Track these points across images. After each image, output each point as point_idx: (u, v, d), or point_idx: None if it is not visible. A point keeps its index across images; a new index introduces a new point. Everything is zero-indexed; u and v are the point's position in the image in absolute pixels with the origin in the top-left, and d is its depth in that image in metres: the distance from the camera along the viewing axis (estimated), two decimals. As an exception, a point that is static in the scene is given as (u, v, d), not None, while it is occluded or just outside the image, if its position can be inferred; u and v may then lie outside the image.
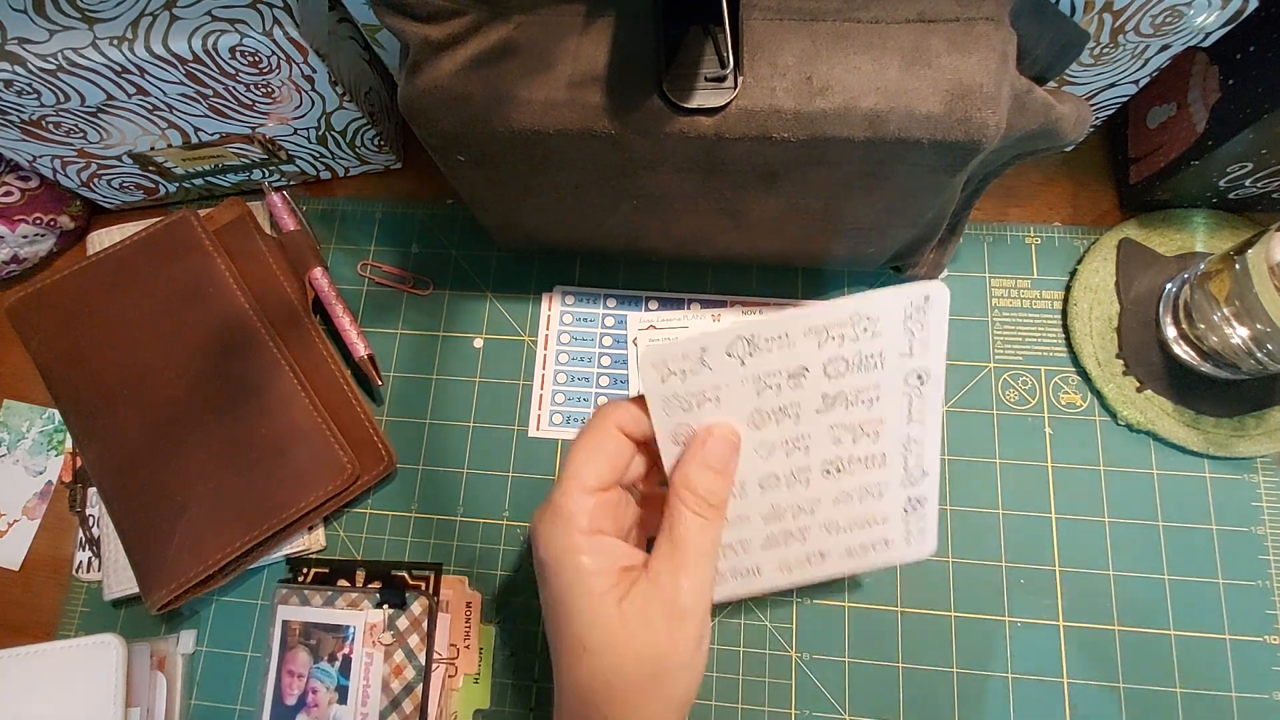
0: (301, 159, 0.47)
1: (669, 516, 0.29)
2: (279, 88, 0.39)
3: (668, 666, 0.27)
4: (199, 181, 0.48)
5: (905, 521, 0.33)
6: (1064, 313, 0.44)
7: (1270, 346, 0.37)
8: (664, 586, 0.27)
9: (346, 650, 0.40)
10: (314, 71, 0.39)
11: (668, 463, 0.30)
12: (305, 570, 0.43)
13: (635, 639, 0.27)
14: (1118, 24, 0.32)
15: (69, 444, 0.47)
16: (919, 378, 0.29)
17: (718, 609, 0.42)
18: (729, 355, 0.28)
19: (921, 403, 0.30)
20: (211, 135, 0.43)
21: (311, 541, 0.43)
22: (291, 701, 0.40)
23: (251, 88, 0.39)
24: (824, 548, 0.33)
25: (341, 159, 0.48)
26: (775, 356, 0.29)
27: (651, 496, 0.33)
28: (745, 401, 0.29)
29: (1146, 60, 0.36)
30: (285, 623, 0.41)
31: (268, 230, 0.48)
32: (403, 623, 0.40)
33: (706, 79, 0.29)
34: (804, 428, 0.30)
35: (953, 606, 0.41)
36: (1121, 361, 0.43)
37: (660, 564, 0.28)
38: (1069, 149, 0.46)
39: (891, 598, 0.41)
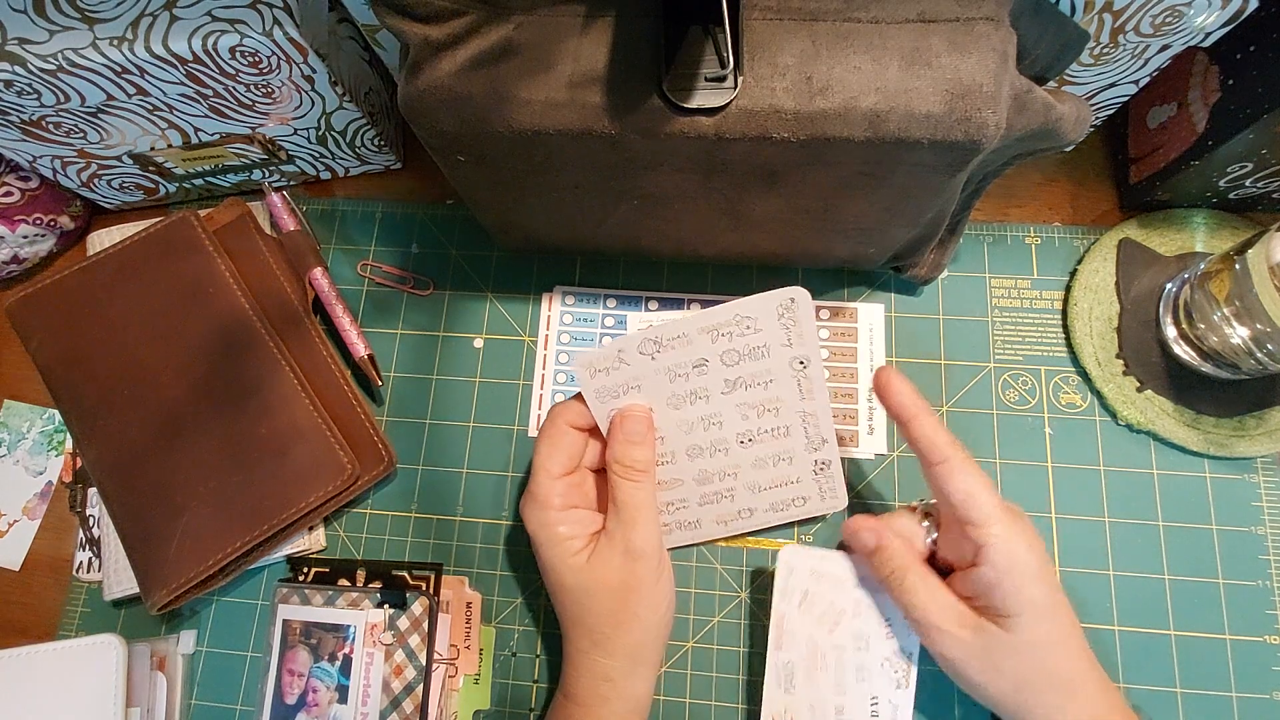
0: (301, 159, 0.47)
1: (610, 487, 0.36)
2: (279, 88, 0.39)
3: (632, 595, 0.35)
4: (199, 181, 0.48)
5: (816, 481, 0.40)
6: (1064, 313, 0.44)
7: (1270, 346, 0.37)
8: (617, 539, 0.35)
9: (347, 650, 0.40)
10: (314, 72, 0.39)
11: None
12: (305, 570, 0.43)
13: (601, 577, 0.35)
14: (1118, 24, 0.32)
15: (69, 444, 0.47)
16: (800, 363, 0.36)
17: (719, 608, 0.42)
18: (641, 353, 0.35)
19: (808, 383, 0.36)
20: (211, 135, 0.43)
21: (312, 541, 0.43)
22: (292, 701, 0.40)
23: (251, 88, 0.39)
24: (751, 505, 0.41)
25: (341, 159, 0.48)
26: (678, 352, 0.35)
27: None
28: (662, 387, 0.36)
29: (1146, 60, 0.36)
30: (286, 622, 0.41)
31: (268, 230, 0.48)
32: (403, 623, 0.40)
33: (706, 79, 0.29)
34: (715, 407, 0.37)
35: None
36: (1121, 361, 0.43)
37: (612, 524, 0.36)
38: (1069, 149, 0.46)
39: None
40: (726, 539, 0.42)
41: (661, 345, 0.35)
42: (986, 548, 0.32)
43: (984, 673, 0.33)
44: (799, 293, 0.34)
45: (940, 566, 0.36)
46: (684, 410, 0.37)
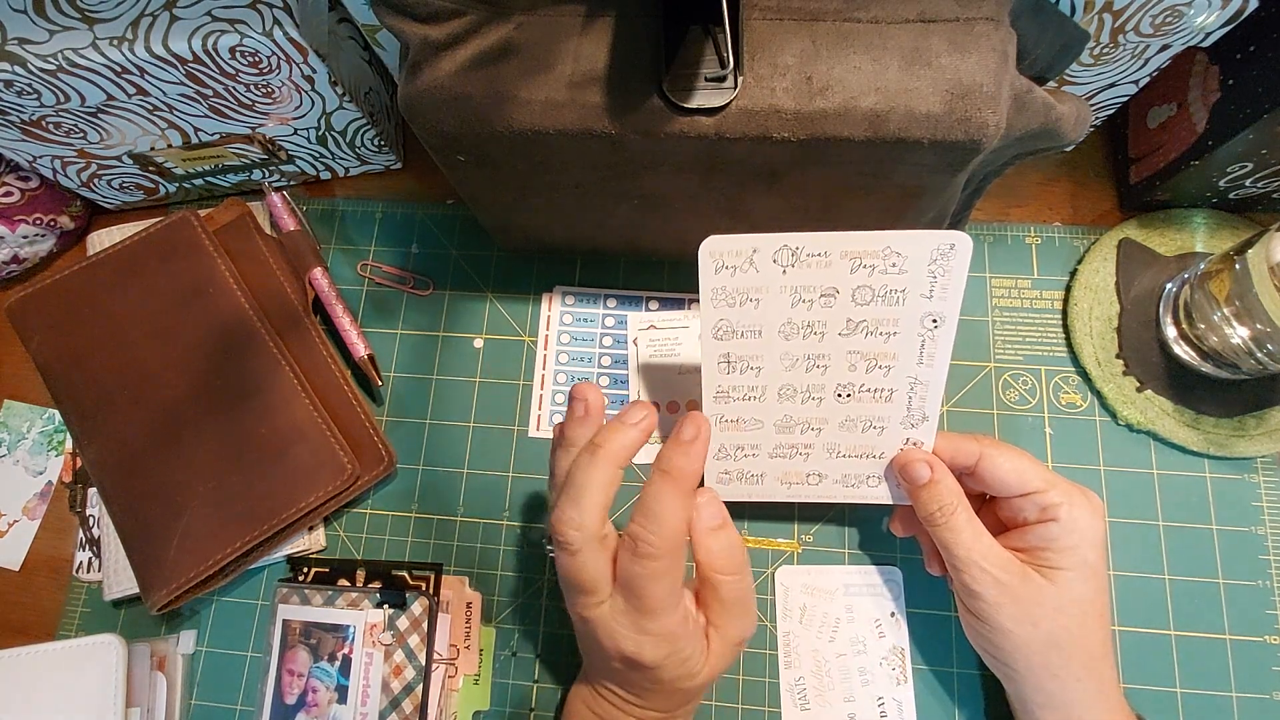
0: (301, 159, 0.47)
1: (708, 588, 0.34)
2: (279, 88, 0.39)
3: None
4: (199, 181, 0.48)
5: None
6: (1064, 313, 0.44)
7: (1270, 346, 0.37)
8: (728, 636, 0.34)
9: (346, 650, 0.40)
10: (314, 72, 0.39)
11: (705, 359, 0.34)
12: (305, 570, 0.43)
13: (713, 677, 0.34)
14: (1118, 24, 0.32)
15: (69, 444, 0.47)
16: (934, 321, 0.33)
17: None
18: (774, 261, 0.32)
19: (933, 345, 0.33)
20: (211, 135, 0.43)
21: (312, 541, 0.43)
22: (291, 701, 0.40)
23: (251, 88, 0.39)
24: (822, 469, 0.37)
25: (341, 159, 0.48)
26: (813, 272, 0.32)
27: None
28: (780, 310, 0.33)
29: (1146, 60, 0.36)
30: (285, 622, 0.41)
31: (268, 230, 0.48)
32: (403, 623, 0.40)
33: (706, 79, 0.29)
34: (826, 347, 0.34)
35: (952, 608, 0.40)
36: (1121, 361, 0.43)
37: (723, 622, 0.33)
38: (1069, 149, 0.46)
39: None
40: (787, 498, 0.39)
41: (799, 258, 0.32)
42: (1056, 505, 0.33)
43: (1017, 620, 0.33)
44: (961, 240, 0.31)
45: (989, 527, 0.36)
46: (793, 342, 0.34)
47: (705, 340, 0.34)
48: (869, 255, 0.31)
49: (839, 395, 0.35)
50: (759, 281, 0.32)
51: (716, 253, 0.32)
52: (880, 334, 0.33)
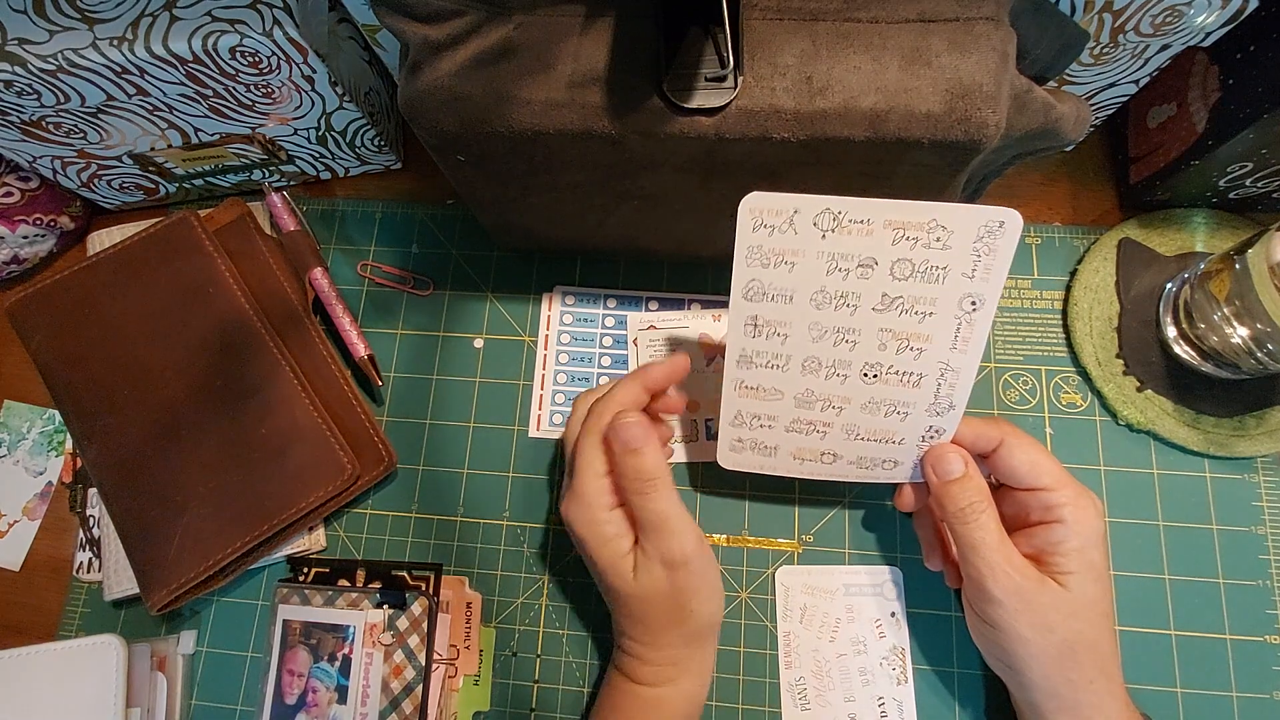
0: (301, 159, 0.47)
1: (630, 508, 0.35)
2: (279, 88, 0.39)
3: (683, 597, 0.35)
4: (199, 182, 0.48)
5: (919, 450, 0.36)
6: (1064, 312, 0.44)
7: (1270, 346, 0.37)
8: (651, 554, 0.34)
9: (346, 650, 0.40)
10: (314, 72, 0.39)
11: (732, 320, 0.34)
12: (306, 570, 0.43)
13: (650, 590, 0.34)
14: (1118, 24, 0.32)
15: (69, 444, 0.47)
16: (973, 303, 0.31)
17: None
18: (814, 224, 0.31)
19: (969, 330, 0.32)
20: (211, 135, 0.43)
21: (312, 541, 0.43)
22: (291, 701, 0.40)
23: (251, 88, 0.39)
24: (838, 450, 0.36)
25: (341, 159, 0.48)
26: (853, 240, 0.31)
27: None
28: (815, 276, 0.32)
29: (1146, 60, 0.36)
30: (286, 622, 0.41)
31: (268, 230, 0.48)
32: (403, 623, 0.40)
33: (706, 79, 0.29)
34: (858, 322, 0.33)
35: (953, 608, 0.41)
36: (1121, 361, 0.43)
37: (642, 538, 0.35)
38: (1069, 149, 0.46)
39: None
40: (799, 474, 0.38)
41: (840, 223, 0.31)
42: (1061, 506, 0.33)
43: (1034, 626, 0.33)
44: (1011, 217, 0.29)
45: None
46: (824, 312, 0.33)
47: (734, 300, 0.33)
48: (913, 227, 0.30)
49: (865, 375, 0.34)
50: (796, 244, 0.31)
51: (757, 209, 0.31)
52: (915, 313, 0.32)
